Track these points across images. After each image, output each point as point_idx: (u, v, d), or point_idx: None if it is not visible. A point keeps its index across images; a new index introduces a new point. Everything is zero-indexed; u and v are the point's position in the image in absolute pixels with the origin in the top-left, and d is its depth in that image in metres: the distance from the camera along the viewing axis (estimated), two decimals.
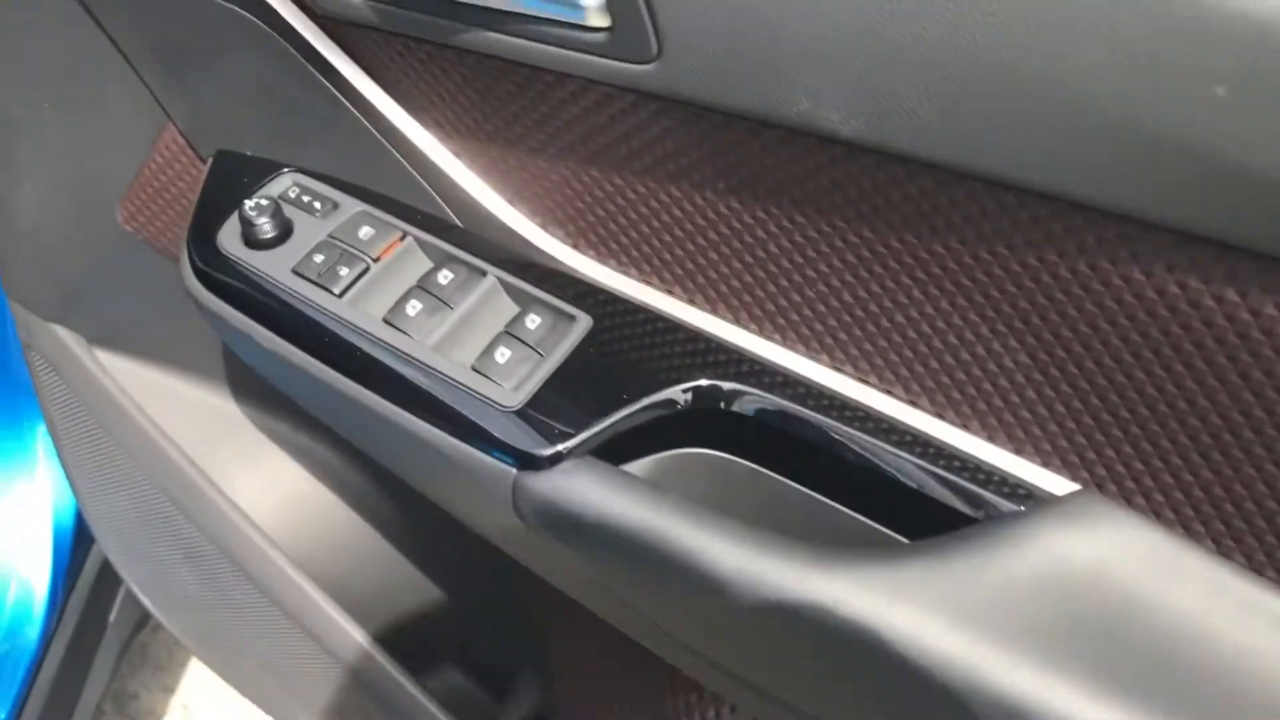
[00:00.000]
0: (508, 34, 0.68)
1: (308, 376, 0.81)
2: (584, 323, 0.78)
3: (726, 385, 0.74)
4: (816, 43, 0.56)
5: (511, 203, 0.82)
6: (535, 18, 0.66)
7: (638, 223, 0.76)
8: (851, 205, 0.64)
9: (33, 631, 1.43)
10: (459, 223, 0.83)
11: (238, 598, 1.21)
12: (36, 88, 0.98)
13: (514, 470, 0.73)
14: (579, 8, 0.63)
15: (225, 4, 0.80)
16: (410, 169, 0.82)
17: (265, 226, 0.82)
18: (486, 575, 1.13)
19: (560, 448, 0.72)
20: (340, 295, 0.80)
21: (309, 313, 0.79)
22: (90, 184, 1.00)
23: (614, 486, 0.71)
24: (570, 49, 0.65)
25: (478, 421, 0.73)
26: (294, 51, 0.80)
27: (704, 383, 0.74)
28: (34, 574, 1.45)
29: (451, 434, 0.75)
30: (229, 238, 0.84)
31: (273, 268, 0.82)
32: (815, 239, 0.68)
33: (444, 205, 0.83)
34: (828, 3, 0.55)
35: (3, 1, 0.92)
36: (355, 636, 1.17)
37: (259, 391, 1.12)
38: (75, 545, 1.57)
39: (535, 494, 0.72)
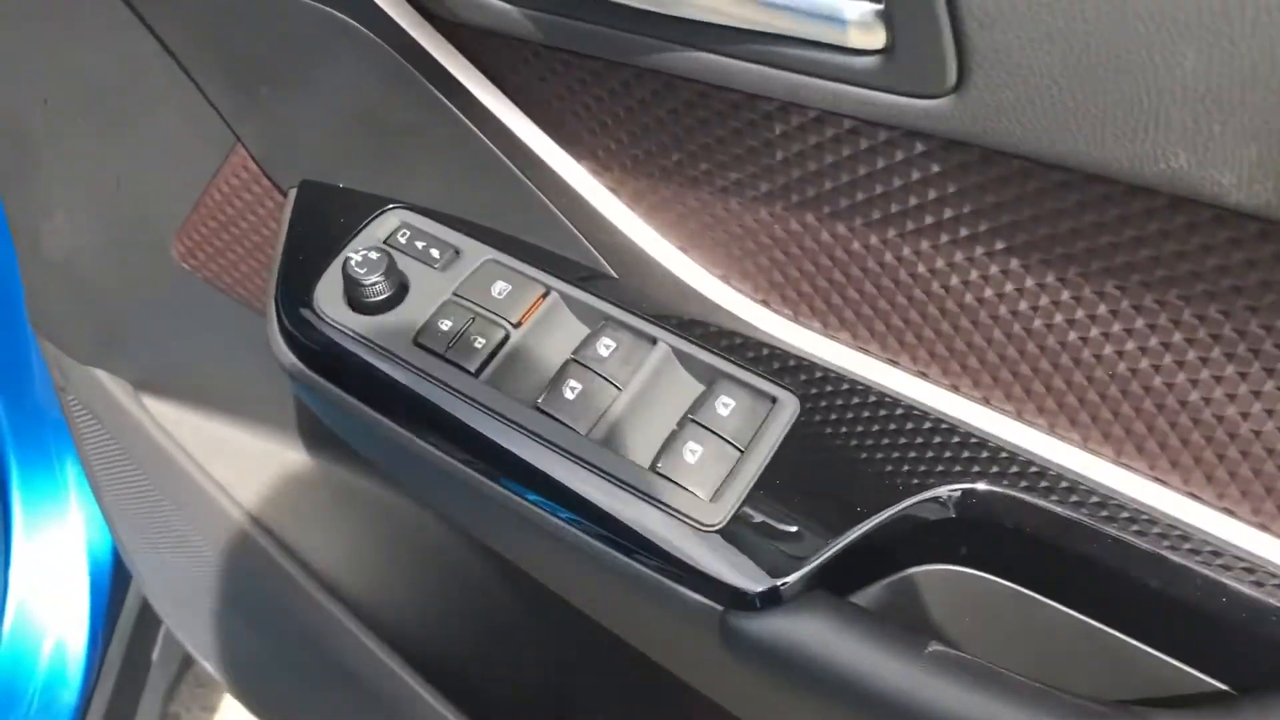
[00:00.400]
0: (725, 54, 0.51)
1: (437, 472, 0.65)
2: (789, 406, 0.62)
3: (984, 488, 0.58)
4: (1210, 78, 0.40)
5: (684, 250, 0.65)
6: (770, 35, 0.49)
7: (860, 280, 0.59)
8: (1181, 281, 0.48)
9: (69, 695, 1.28)
10: (613, 273, 0.67)
11: (312, 667, 1.06)
12: (69, 101, 0.81)
13: (720, 608, 0.57)
14: (839, 21, 0.46)
15: (318, 5, 0.62)
16: (552, 206, 0.65)
17: (378, 286, 0.65)
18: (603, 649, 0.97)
19: (782, 583, 0.56)
20: (477, 374, 0.64)
21: (441, 398, 0.63)
22: (139, 214, 0.84)
23: (861, 636, 0.55)
24: (821, 76, 0.48)
25: (670, 546, 0.58)
26: (406, 64, 0.63)
27: (957, 489, 0.58)
28: (70, 627, 1.30)
29: (634, 560, 0.59)
30: (328, 295, 0.67)
31: (389, 337, 0.65)
32: (1109, 317, 0.52)
33: (594, 251, 0.66)
34: (1231, 21, 0.38)
35: (36, 3, 0.75)
36: (434, 705, 1.02)
37: (328, 444, 0.96)
38: (114, 585, 1.42)
39: (754, 639, 0.57)
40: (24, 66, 0.81)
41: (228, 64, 0.70)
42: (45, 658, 1.28)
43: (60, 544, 1.34)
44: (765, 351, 0.64)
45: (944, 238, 0.55)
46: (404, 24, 0.61)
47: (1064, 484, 0.58)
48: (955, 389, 0.62)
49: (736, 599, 0.57)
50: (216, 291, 0.86)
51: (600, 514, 0.59)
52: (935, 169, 0.52)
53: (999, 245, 0.53)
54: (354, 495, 0.97)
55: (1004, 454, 0.59)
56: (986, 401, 0.61)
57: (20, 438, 1.33)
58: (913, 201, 0.54)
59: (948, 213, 0.53)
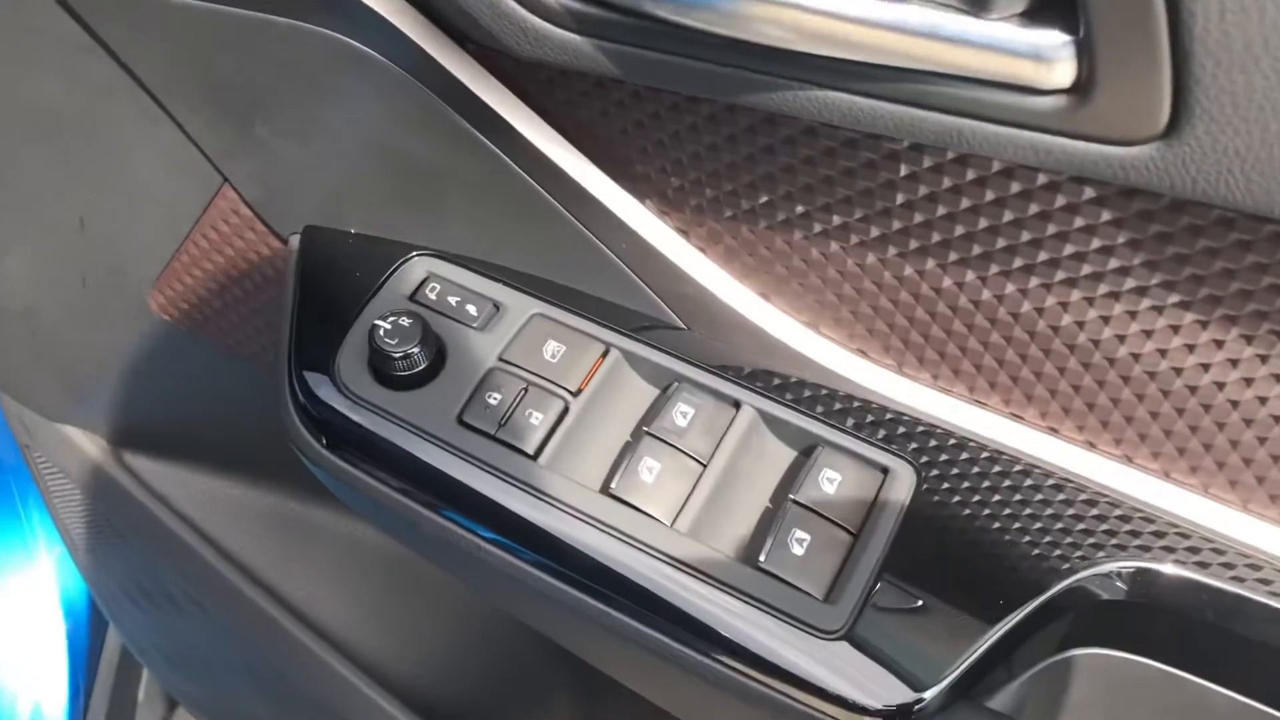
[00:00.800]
0: (857, 93, 0.41)
1: (495, 571, 0.56)
2: (905, 478, 0.53)
3: (1142, 566, 0.50)
4: None
5: (765, 297, 0.56)
6: (920, 73, 0.39)
7: (985, 330, 0.51)
8: None
9: None
10: (680, 323, 0.58)
11: None
12: (18, 134, 0.70)
13: None
14: (1019, 55, 0.37)
15: (326, 32, 0.52)
16: (606, 249, 0.56)
17: (413, 358, 0.55)
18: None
19: (925, 697, 0.48)
20: (535, 455, 0.55)
21: (495, 488, 0.54)
22: (109, 261, 0.73)
23: None
24: (987, 119, 0.39)
25: (787, 660, 0.49)
26: (433, 95, 0.53)
27: (1111, 568, 0.50)
28: (47, 686, 1.20)
29: (739, 671, 0.51)
30: (351, 366, 0.58)
31: (428, 416, 0.56)
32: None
33: (657, 299, 0.57)
34: None
35: None
36: None
37: (328, 497, 0.86)
38: (92, 629, 1.32)
39: None
40: None
41: (213, 97, 0.59)
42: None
43: (30, 594, 1.24)
44: (868, 412, 0.55)
45: (1103, 289, 0.46)
46: (435, 53, 0.51)
47: (1227, 556, 0.50)
48: (1091, 445, 0.53)
49: (870, 717, 0.49)
50: (199, 343, 0.75)
51: (698, 623, 0.51)
52: (1106, 216, 0.43)
53: (1172, 300, 0.45)
54: (357, 547, 0.88)
55: (1161, 526, 0.51)
56: (1128, 460, 0.53)
57: None
58: (1068, 250, 0.45)
59: (1113, 263, 0.45)
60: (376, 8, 0.51)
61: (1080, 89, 0.37)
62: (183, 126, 0.63)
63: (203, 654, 1.00)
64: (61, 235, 0.74)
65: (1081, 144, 0.38)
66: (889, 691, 0.49)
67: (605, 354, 0.58)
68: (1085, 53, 0.36)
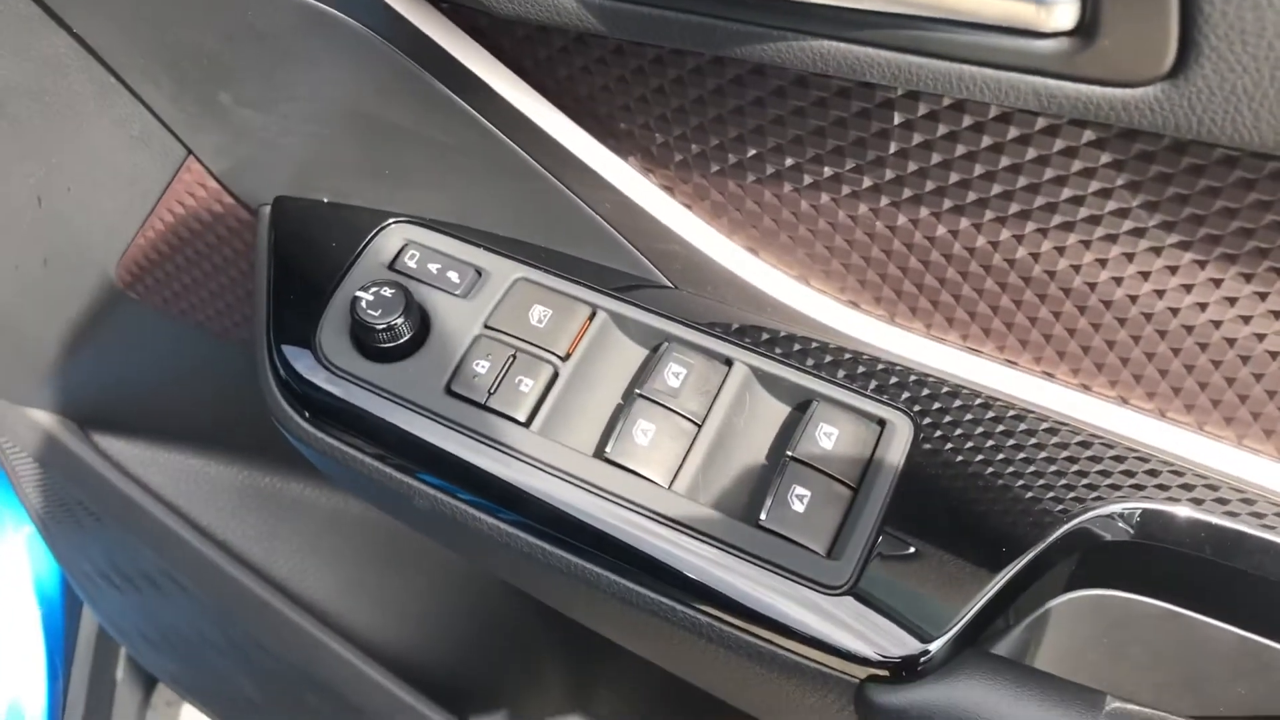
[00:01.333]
0: (855, 41, 0.40)
1: (490, 541, 0.55)
2: (902, 429, 0.53)
3: (1140, 506, 0.51)
4: None
5: (753, 251, 0.55)
6: (921, 19, 0.38)
7: (979, 277, 0.50)
8: None
9: None
10: (667, 281, 0.57)
11: (313, 703, 0.96)
12: None
13: (856, 680, 0.49)
14: None
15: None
16: (588, 208, 0.55)
17: (398, 329, 0.54)
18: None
19: (931, 647, 0.48)
20: (528, 423, 0.54)
21: (489, 458, 0.53)
22: (69, 239, 0.70)
23: (1033, 701, 0.47)
24: (988, 64, 0.38)
25: (793, 618, 0.49)
26: (406, 58, 0.51)
27: (1108, 510, 0.50)
28: (22, 675, 1.18)
29: (745, 630, 0.50)
30: (333, 339, 0.56)
31: (416, 387, 0.55)
32: None
33: (642, 258, 0.56)
34: None
35: None
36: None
37: (307, 470, 0.85)
38: (67, 613, 1.30)
39: (901, 713, 0.49)
40: None
41: (173, 67, 0.57)
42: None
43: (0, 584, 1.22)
44: (861, 364, 0.55)
45: (1100, 232, 0.46)
46: (405, 12, 0.49)
47: (1221, 492, 0.50)
48: (1086, 388, 0.53)
49: (877, 669, 0.49)
50: (167, 320, 0.73)
51: (702, 585, 0.50)
52: (1105, 159, 0.42)
53: (1171, 240, 0.45)
54: (337, 520, 0.87)
55: (1156, 465, 0.51)
56: (1123, 401, 0.53)
57: None
58: (1066, 194, 0.45)
59: (1110, 206, 0.44)
60: None
61: (1083, 31, 0.36)
62: (142, 99, 0.60)
63: (184, 633, 0.98)
64: (18, 215, 0.72)
65: (1084, 86, 0.38)
66: (895, 644, 0.49)
67: (592, 316, 0.57)
68: None
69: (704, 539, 0.51)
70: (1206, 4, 0.34)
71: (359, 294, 0.55)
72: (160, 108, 0.60)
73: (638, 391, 0.54)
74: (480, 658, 0.93)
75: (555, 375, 0.55)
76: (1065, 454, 0.52)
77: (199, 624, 0.96)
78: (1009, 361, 0.54)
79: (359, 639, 0.90)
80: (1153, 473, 0.51)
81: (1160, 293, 0.47)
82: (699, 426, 0.53)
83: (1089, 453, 0.52)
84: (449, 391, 0.55)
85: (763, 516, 0.51)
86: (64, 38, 0.59)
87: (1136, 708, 0.48)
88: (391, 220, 0.60)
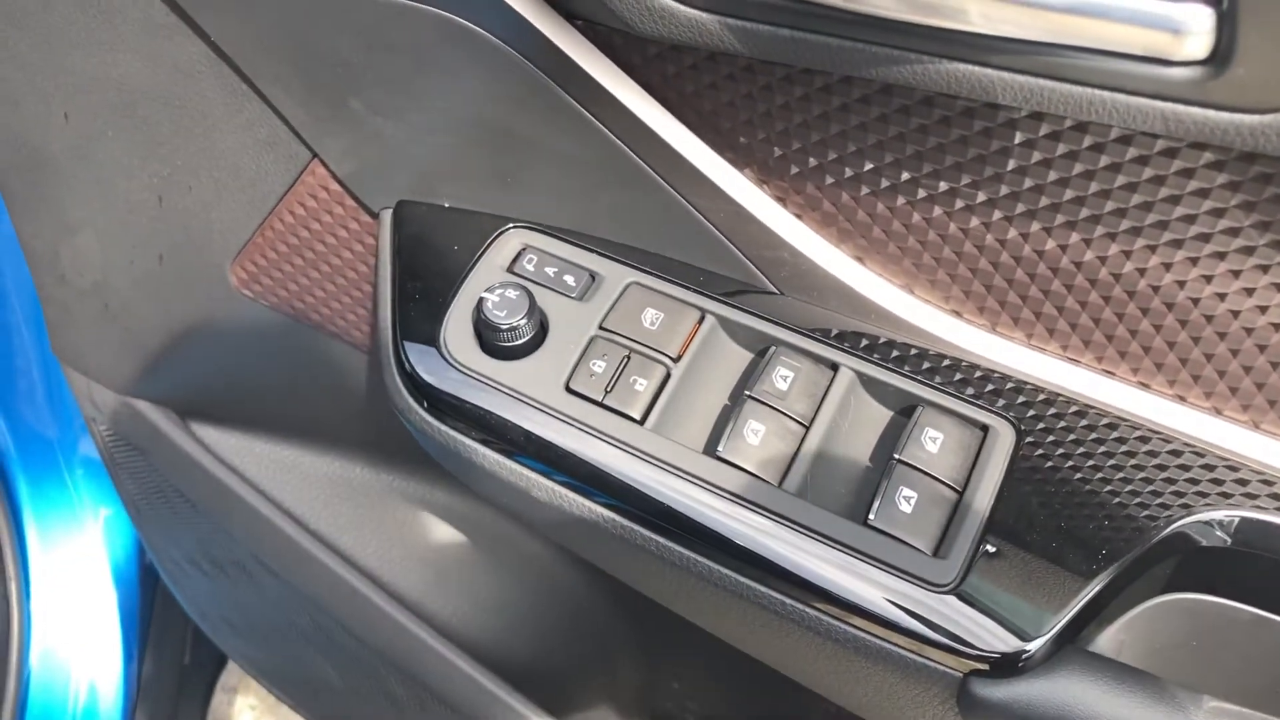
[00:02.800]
0: (987, 65, 0.42)
1: (608, 535, 0.57)
2: (1005, 436, 0.55)
3: (1236, 514, 0.52)
4: None
5: (860, 260, 0.57)
6: (1051, 45, 0.41)
7: (1084, 290, 0.53)
8: None
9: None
10: (772, 287, 0.59)
11: (396, 691, 0.99)
12: (95, 113, 0.70)
13: (960, 674, 0.51)
14: (1156, 27, 0.38)
15: (429, 8, 0.53)
16: (699, 215, 0.58)
17: (520, 329, 0.57)
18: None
19: (1033, 644, 0.50)
20: (643, 420, 0.56)
21: (606, 454, 0.56)
22: (187, 237, 0.74)
23: (1133, 699, 0.49)
24: (1121, 90, 0.40)
25: (901, 615, 0.51)
26: (537, 70, 0.54)
27: (1207, 517, 0.52)
28: (98, 658, 1.22)
29: (854, 625, 0.53)
30: (458, 337, 0.59)
31: (537, 385, 0.57)
32: None
33: (750, 265, 0.59)
34: None
35: (59, 6, 0.64)
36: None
37: (402, 463, 0.88)
38: (141, 599, 1.34)
39: (1005, 708, 0.51)
40: (39, 78, 0.70)
41: (307, 74, 0.60)
42: (79, 698, 1.21)
43: (79, 564, 1.25)
44: (963, 371, 0.57)
45: (1209, 250, 0.48)
46: (544, 29, 0.52)
47: None
48: (1181, 399, 0.55)
49: (981, 664, 0.51)
50: (279, 317, 0.76)
51: (812, 581, 0.53)
52: (1221, 180, 0.44)
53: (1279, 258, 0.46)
54: (426, 511, 0.90)
55: (1253, 475, 0.53)
56: (1217, 412, 0.55)
57: (27, 459, 1.23)
58: (1178, 213, 0.47)
59: (1222, 224, 0.46)
60: None
61: (1217, 59, 0.38)
62: (271, 103, 0.63)
63: (271, 618, 1.02)
64: (139, 212, 0.75)
65: (1212, 112, 0.40)
66: (998, 640, 0.51)
67: (701, 320, 0.59)
68: (1226, 25, 0.37)
69: (814, 536, 0.53)
70: None
71: (485, 295, 0.58)
72: (289, 112, 0.63)
73: (747, 393, 0.56)
74: (559, 649, 0.96)
75: (668, 375, 0.57)
76: (1157, 461, 0.54)
77: (287, 610, 0.99)
78: (1107, 371, 0.56)
79: (443, 627, 0.93)
80: (1242, 481, 0.53)
81: (1263, 309, 0.49)
82: (806, 428, 0.56)
83: (1180, 461, 0.54)
84: (568, 389, 0.57)
85: (871, 516, 0.53)
86: (198, 45, 0.63)
87: (1236, 708, 0.50)
88: (510, 225, 0.62)
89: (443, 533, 0.91)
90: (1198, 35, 0.38)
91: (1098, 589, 0.51)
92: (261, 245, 0.71)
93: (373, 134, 0.61)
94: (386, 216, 0.64)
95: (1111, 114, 0.42)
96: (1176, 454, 0.54)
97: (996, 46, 0.42)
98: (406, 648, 0.92)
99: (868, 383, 0.58)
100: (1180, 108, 0.40)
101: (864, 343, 0.58)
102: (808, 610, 0.54)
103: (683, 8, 0.47)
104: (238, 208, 0.70)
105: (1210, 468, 0.54)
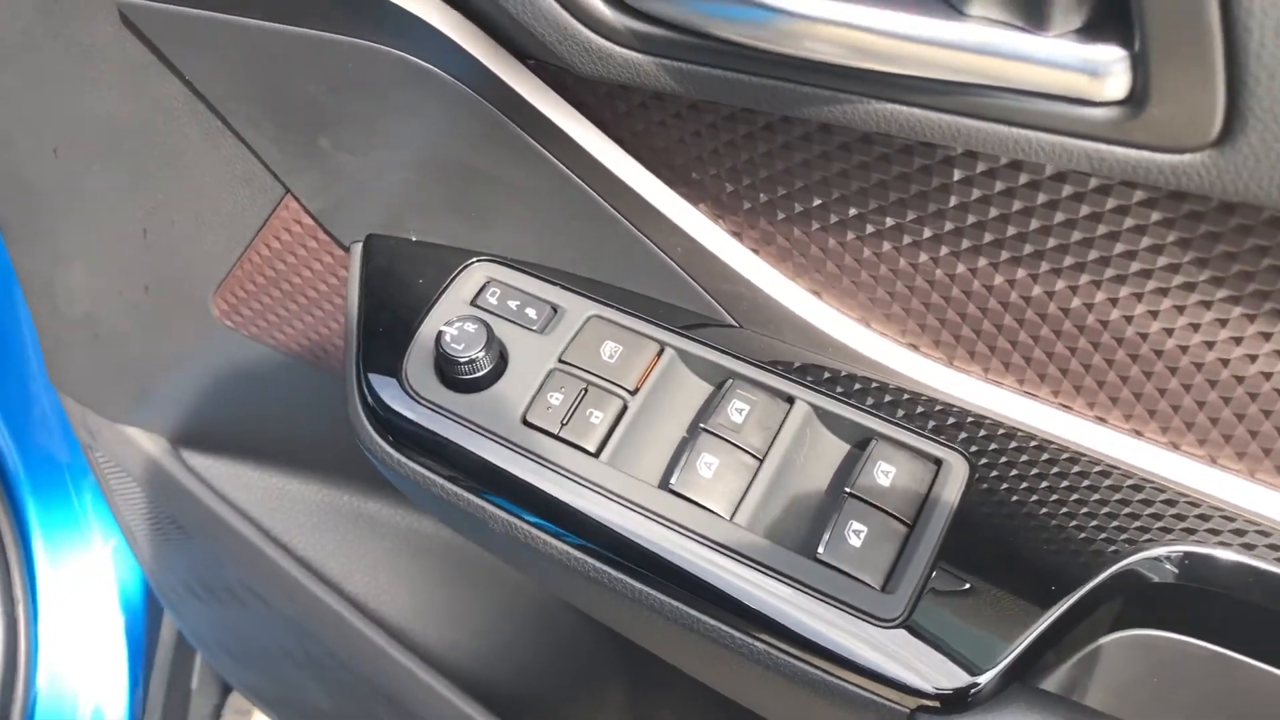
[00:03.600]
0: (916, 105, 0.43)
1: (560, 566, 0.58)
2: (958, 469, 0.55)
3: (1189, 550, 0.52)
4: None
5: (817, 294, 0.58)
6: (978, 86, 0.41)
7: (1035, 325, 0.53)
8: None
9: None
10: (732, 320, 0.59)
11: (380, 714, 1.00)
12: (82, 148, 0.72)
13: (907, 710, 0.51)
14: (1074, 70, 0.38)
15: (389, 50, 0.54)
16: (659, 251, 0.58)
17: (478, 362, 0.57)
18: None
19: (980, 680, 0.50)
20: (597, 453, 0.57)
21: (560, 486, 0.56)
22: (171, 268, 0.75)
23: None
24: (1043, 129, 0.41)
25: (847, 649, 0.51)
26: (494, 109, 0.55)
27: (1159, 553, 0.52)
28: (105, 683, 1.23)
29: (800, 659, 0.53)
30: (418, 370, 0.60)
31: (494, 417, 0.58)
32: None
33: (710, 299, 0.59)
34: None
35: (44, 46, 0.66)
36: None
37: (388, 492, 0.88)
38: (148, 622, 1.35)
39: None
40: (28, 113, 0.72)
41: (278, 112, 0.61)
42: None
43: (87, 588, 1.27)
44: (920, 404, 0.57)
45: (1151, 285, 0.48)
46: (497, 70, 0.53)
47: (1273, 538, 0.52)
48: (1138, 434, 0.55)
49: (928, 701, 0.51)
50: (261, 347, 0.78)
51: (760, 615, 0.53)
52: (1155, 217, 0.45)
53: (1220, 295, 0.46)
54: (412, 540, 0.91)
55: (1207, 510, 0.52)
56: (1174, 447, 0.55)
57: (37, 482, 1.25)
58: (1119, 249, 0.47)
59: (1161, 261, 0.46)
60: (440, 26, 0.52)
61: (1134, 100, 0.39)
62: (246, 140, 0.65)
63: (263, 644, 1.03)
64: (125, 245, 0.77)
65: (1134, 151, 0.40)
66: (946, 676, 0.50)
67: (660, 353, 0.60)
68: (1140, 67, 0.37)
69: (763, 570, 0.53)
70: (1252, 79, 0.36)
71: (444, 328, 0.58)
72: (262, 149, 0.64)
73: (702, 425, 0.57)
74: (547, 679, 0.96)
75: (624, 408, 0.58)
76: (1117, 496, 0.54)
77: (277, 636, 1.00)
78: (1064, 406, 0.56)
79: (430, 656, 0.94)
80: (1204, 517, 0.53)
81: (1210, 344, 0.49)
82: (760, 461, 0.56)
83: (1141, 496, 0.53)
84: (525, 422, 0.58)
85: (820, 550, 0.53)
86: (176, 84, 0.64)
87: None
88: (475, 259, 0.63)
89: (428, 561, 0.92)
90: (1115, 77, 0.38)
91: (1048, 623, 0.51)
92: (241, 278, 0.73)
93: (340, 170, 0.63)
94: (356, 250, 0.66)
95: (1040, 153, 0.42)
96: (1137, 489, 0.54)
97: (923, 87, 0.42)
98: (393, 675, 0.92)
99: (823, 415, 0.58)
100: (1104, 147, 0.40)
101: (822, 376, 0.59)
102: (756, 644, 0.54)
103: (619, 49, 0.47)
104: (218, 241, 0.72)
105: (1171, 503, 0.53)
